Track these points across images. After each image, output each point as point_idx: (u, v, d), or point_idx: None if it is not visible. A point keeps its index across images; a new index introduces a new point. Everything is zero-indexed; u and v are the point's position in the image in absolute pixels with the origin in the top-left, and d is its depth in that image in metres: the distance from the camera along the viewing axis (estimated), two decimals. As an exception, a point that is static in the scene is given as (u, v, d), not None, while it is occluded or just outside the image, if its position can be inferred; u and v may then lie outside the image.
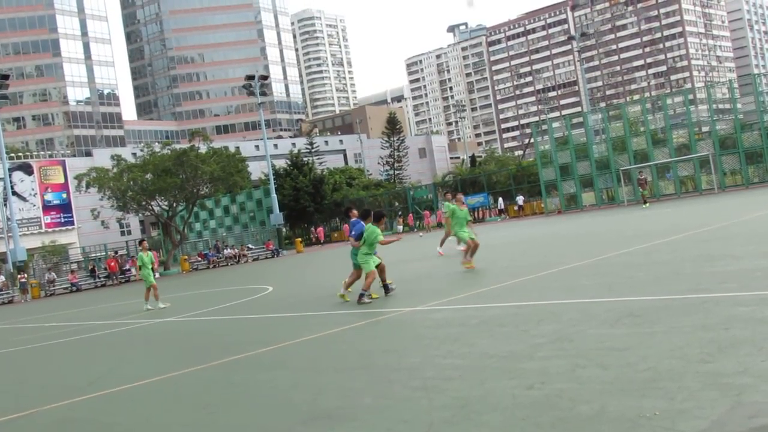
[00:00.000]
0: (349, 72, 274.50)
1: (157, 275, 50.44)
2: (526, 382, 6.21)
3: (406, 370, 7.47)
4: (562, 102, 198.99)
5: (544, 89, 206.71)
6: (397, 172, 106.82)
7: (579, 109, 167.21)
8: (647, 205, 40.06)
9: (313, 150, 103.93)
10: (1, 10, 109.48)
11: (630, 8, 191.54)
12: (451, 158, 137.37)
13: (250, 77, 62.75)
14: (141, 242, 22.15)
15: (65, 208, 79.00)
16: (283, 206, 66.07)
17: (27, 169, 77.15)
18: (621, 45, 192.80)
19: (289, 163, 76.72)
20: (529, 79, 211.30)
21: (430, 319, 10.74)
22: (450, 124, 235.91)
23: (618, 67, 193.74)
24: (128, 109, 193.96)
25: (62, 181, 78.47)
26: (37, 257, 62.60)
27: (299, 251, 57.61)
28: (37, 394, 9.68)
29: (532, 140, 65.91)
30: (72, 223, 79.08)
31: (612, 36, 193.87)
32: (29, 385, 10.96)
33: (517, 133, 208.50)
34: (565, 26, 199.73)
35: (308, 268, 33.23)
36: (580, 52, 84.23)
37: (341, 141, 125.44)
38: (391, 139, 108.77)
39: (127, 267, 51.91)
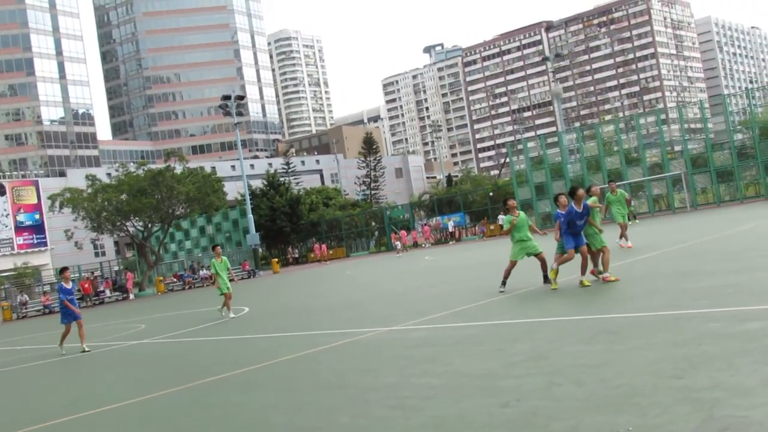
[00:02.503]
0: (326, 92, 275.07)
1: (132, 297, 50.23)
2: (502, 400, 6.24)
3: (383, 389, 7.48)
4: (537, 122, 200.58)
5: (520, 109, 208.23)
6: (373, 191, 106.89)
7: (554, 129, 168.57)
8: (636, 220, 40.23)
9: (289, 170, 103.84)
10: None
11: (603, 30, 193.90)
12: (427, 178, 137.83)
13: (227, 97, 62.66)
14: (214, 248, 20.35)
15: (38, 229, 78.13)
16: (259, 226, 65.87)
17: (-1, 190, 76.38)
18: (594, 66, 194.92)
19: (266, 183, 76.59)
20: (504, 99, 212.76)
21: (406, 339, 10.76)
22: (426, 144, 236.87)
23: (592, 88, 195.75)
24: (103, 129, 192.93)
25: (35, 201, 77.65)
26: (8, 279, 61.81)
27: (276, 271, 57.36)
28: (11, 419, 9.59)
29: (507, 160, 66.28)
30: (45, 244, 78.21)
31: (586, 57, 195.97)
32: (2, 409, 10.82)
33: (492, 152, 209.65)
34: (540, 47, 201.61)
35: (284, 288, 33.11)
36: (554, 73, 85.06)
37: (318, 161, 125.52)
38: (368, 159, 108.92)
39: (102, 288, 51.39)
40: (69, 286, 17.44)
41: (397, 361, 9.02)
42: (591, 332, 8.62)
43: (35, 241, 77.78)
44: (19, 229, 77.03)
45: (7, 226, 75.85)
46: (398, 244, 53.63)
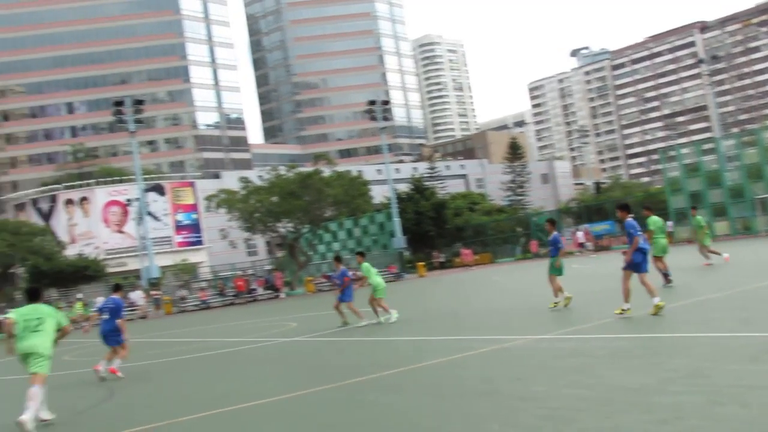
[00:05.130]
0: (470, 97, 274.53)
1: (283, 295, 51.69)
2: (659, 416, 6.04)
3: (532, 399, 7.39)
4: (692, 127, 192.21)
5: (672, 114, 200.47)
6: (519, 197, 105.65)
7: (710, 134, 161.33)
8: None
9: (434, 174, 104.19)
10: (136, 39, 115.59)
11: (764, 29, 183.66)
12: (574, 184, 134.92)
13: (372, 102, 63.52)
14: (360, 254, 21.70)
15: (195, 228, 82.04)
16: (405, 230, 66.37)
17: (160, 190, 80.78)
18: (755, 68, 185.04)
19: (411, 187, 77.12)
20: (655, 103, 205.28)
21: (555, 348, 10.60)
22: (573, 149, 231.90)
23: (751, 91, 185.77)
24: (256, 133, 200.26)
25: (192, 202, 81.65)
26: (168, 275, 64.92)
27: (422, 275, 57.54)
28: (166, 410, 10.05)
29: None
30: (201, 242, 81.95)
31: (745, 58, 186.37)
32: (163, 397, 11.42)
33: (643, 159, 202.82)
34: (693, 49, 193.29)
35: (431, 292, 33.29)
36: (710, 76, 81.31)
37: (462, 166, 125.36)
38: (513, 164, 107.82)
39: (254, 287, 53.14)
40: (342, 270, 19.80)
41: (546, 370, 8.89)
42: (754, 351, 8.19)
43: (192, 240, 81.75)
44: (178, 227, 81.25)
45: (167, 225, 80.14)
46: (589, 244, 53.93)
